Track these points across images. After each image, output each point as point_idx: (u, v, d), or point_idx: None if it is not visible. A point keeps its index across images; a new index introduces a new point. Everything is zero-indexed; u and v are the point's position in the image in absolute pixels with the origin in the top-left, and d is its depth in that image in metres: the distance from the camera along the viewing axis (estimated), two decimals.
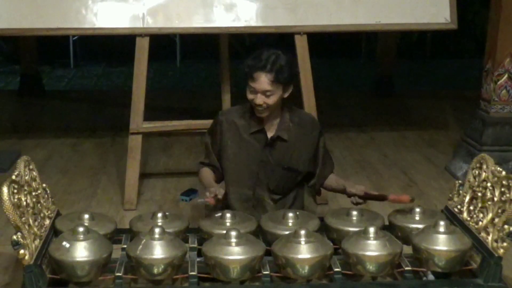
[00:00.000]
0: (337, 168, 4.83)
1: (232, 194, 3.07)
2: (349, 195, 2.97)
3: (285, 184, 3.08)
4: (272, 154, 3.02)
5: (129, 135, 4.19)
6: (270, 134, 3.01)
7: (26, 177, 2.47)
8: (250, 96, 2.90)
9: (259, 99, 2.85)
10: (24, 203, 2.35)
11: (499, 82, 4.57)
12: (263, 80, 2.82)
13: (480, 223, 2.52)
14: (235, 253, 2.31)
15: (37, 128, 6.12)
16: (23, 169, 2.45)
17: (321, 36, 5.46)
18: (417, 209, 2.74)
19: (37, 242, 2.35)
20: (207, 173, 3.07)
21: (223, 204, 2.98)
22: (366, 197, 2.92)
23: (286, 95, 2.93)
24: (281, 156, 3.03)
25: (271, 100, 2.86)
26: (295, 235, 2.38)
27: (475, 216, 2.59)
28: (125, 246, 2.51)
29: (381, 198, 2.91)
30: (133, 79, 4.21)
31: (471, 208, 2.64)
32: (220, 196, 2.76)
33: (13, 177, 2.33)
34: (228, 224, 2.63)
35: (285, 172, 3.05)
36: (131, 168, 4.18)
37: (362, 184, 4.44)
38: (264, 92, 2.84)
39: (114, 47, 9.51)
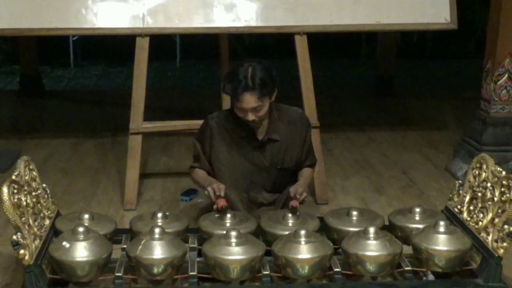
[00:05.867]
0: (337, 168, 4.91)
1: (227, 197, 3.07)
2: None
3: (280, 182, 3.09)
4: (265, 156, 3.02)
5: (129, 135, 4.18)
6: (260, 136, 3.00)
7: (26, 177, 2.47)
8: (240, 114, 2.88)
9: (250, 116, 2.84)
10: (24, 203, 2.35)
11: (499, 82, 4.56)
12: (250, 100, 2.80)
13: (480, 223, 2.52)
14: (235, 253, 2.31)
15: (37, 128, 6.11)
16: (23, 169, 2.45)
17: (321, 36, 5.45)
18: (417, 209, 2.74)
19: (37, 242, 2.35)
20: (201, 173, 3.06)
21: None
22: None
23: (273, 99, 2.93)
24: (274, 157, 3.03)
25: (262, 112, 2.87)
26: (295, 235, 2.38)
27: (475, 216, 2.59)
28: (125, 246, 2.52)
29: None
30: (133, 79, 4.21)
31: (471, 208, 2.64)
32: (221, 193, 2.75)
33: (13, 177, 2.33)
34: (228, 224, 2.64)
35: (280, 172, 3.05)
36: (131, 168, 4.17)
37: (362, 184, 4.50)
38: (253, 109, 2.83)
39: (114, 47, 9.51)
